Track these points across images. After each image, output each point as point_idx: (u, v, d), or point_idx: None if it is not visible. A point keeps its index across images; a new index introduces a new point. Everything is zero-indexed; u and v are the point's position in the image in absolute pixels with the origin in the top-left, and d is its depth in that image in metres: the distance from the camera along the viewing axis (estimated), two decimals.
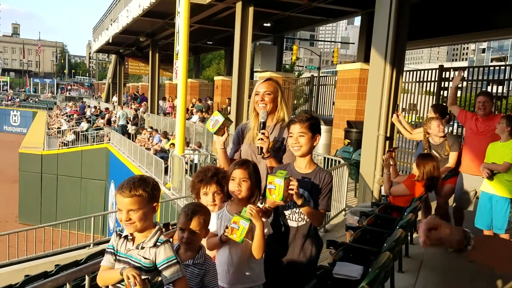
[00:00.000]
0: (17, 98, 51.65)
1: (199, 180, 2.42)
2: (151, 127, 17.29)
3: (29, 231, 9.22)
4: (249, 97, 3.33)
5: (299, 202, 2.18)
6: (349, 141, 8.62)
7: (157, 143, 14.51)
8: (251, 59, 10.65)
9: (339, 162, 6.47)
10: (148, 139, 15.85)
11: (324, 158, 6.99)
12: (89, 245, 8.15)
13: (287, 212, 2.39)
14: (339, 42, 64.96)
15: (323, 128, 10.64)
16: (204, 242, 2.17)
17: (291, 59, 43.84)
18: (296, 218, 2.39)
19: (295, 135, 2.35)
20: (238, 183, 2.27)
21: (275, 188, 2.09)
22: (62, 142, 21.04)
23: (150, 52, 19.92)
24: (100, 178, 17.91)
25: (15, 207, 19.17)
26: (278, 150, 2.67)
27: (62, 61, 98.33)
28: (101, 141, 19.29)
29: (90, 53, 79.96)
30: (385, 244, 2.85)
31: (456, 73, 6.23)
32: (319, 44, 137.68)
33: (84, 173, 18.76)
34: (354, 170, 6.75)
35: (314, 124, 2.37)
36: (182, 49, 8.81)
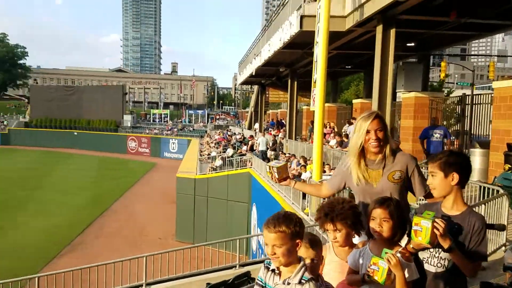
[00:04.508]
0: (175, 128, 58.69)
1: (317, 218, 2.41)
2: (289, 153, 17.78)
3: (184, 249, 10.32)
4: (391, 120, 3.22)
5: (445, 245, 1.99)
6: (510, 166, 7.54)
7: (294, 168, 14.82)
8: (392, 81, 10.24)
9: (498, 191, 5.68)
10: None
11: (480, 186, 6.20)
12: (235, 266, 8.64)
13: (425, 255, 2.19)
14: (495, 55, 58.03)
15: (478, 151, 9.55)
16: (335, 274, 2.13)
17: (439, 75, 40.74)
18: (435, 263, 2.17)
19: (430, 174, 2.19)
20: (378, 223, 2.17)
21: (422, 231, 1.97)
22: (211, 167, 23.06)
23: (289, 81, 20.70)
24: (243, 200, 18.97)
25: (173, 225, 21.52)
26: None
27: (212, 93, 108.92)
28: (244, 166, 20.56)
29: (235, 85, 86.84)
30: None
31: None
32: (472, 57, 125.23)
33: (230, 196, 20.09)
34: None
35: (447, 162, 2.15)
36: (319, 77, 8.95)
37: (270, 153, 20.58)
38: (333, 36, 10.73)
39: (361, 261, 2.21)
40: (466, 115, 12.00)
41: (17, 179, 33.43)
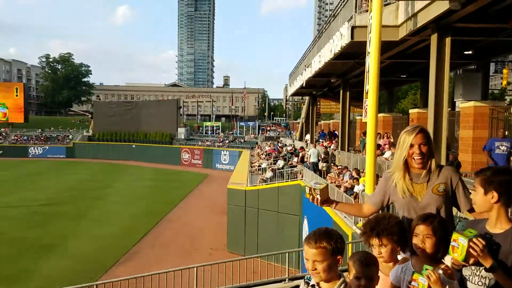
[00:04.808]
0: (226, 139, 59.73)
1: (362, 233, 2.41)
2: (341, 165, 17.47)
3: (234, 261, 10.42)
4: (449, 130, 3.13)
5: (487, 265, 1.93)
6: None
7: (347, 181, 14.53)
8: (450, 90, 9.82)
9: None
10: (338, 176, 16.03)
11: None
12: (285, 280, 8.57)
13: (467, 272, 2.12)
14: None
15: None
16: None
17: (501, 83, 38.54)
18: (476, 281, 2.09)
19: (473, 189, 2.15)
20: (421, 240, 2.17)
21: (458, 247, 1.96)
22: (262, 179, 23.16)
23: (341, 91, 20.44)
24: (294, 213, 18.81)
25: (224, 236, 21.79)
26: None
27: (263, 105, 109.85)
28: (294, 178, 20.44)
29: (286, 96, 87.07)
30: None
31: None
32: None
33: (281, 208, 20.03)
34: None
35: (488, 179, 2.08)
36: (371, 87, 8.76)
37: (321, 165, 20.34)
38: (386, 46, 10.50)
39: (402, 277, 2.19)
40: None
41: (80, 190, 35.49)
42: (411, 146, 2.54)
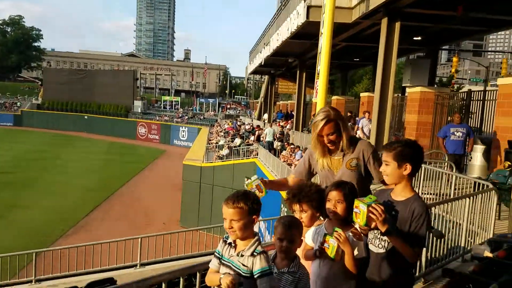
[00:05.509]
0: (185, 116, 58.89)
1: (286, 199, 2.58)
2: (293, 144, 17.83)
3: (187, 233, 10.53)
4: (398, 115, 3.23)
5: (382, 229, 2.10)
6: (510, 163, 7.50)
7: (298, 159, 14.89)
8: (401, 76, 10.18)
9: (487, 186, 5.66)
10: (290, 155, 16.38)
11: (474, 182, 6.19)
12: None
13: (370, 236, 2.32)
14: (508, 52, 57.01)
15: (479, 148, 9.46)
16: (299, 252, 2.27)
17: (451, 71, 40.36)
18: (376, 244, 2.30)
19: (383, 162, 2.30)
20: (333, 204, 2.32)
21: (360, 213, 2.12)
22: (218, 156, 23.21)
23: (298, 72, 20.64)
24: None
25: (178, 211, 21.79)
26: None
27: (224, 82, 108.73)
28: (250, 156, 20.66)
29: (248, 75, 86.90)
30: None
31: None
32: (489, 54, 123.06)
33: (235, 185, 20.25)
34: (509, 196, 5.84)
35: (402, 153, 2.24)
36: (323, 68, 8.93)
37: (276, 144, 20.63)
38: (340, 28, 10.69)
39: (316, 238, 2.35)
40: (472, 111, 11.86)
41: (27, 160, 34.02)
42: (321, 136, 2.73)
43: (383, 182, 2.67)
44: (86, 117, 60.89)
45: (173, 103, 70.67)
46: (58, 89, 62.88)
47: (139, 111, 60.00)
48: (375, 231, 2.27)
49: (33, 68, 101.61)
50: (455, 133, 8.97)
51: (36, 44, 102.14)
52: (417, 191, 2.74)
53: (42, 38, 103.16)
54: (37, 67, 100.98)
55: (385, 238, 2.24)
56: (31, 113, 63.67)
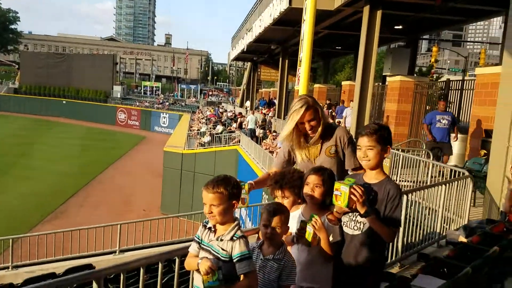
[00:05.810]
0: (166, 102, 58.18)
1: (268, 185, 2.61)
2: (275, 131, 17.87)
3: (167, 220, 10.50)
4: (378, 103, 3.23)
5: (362, 210, 2.15)
6: (485, 151, 7.68)
7: (280, 147, 14.94)
8: (377, 63, 10.26)
9: (463, 174, 5.79)
10: (272, 142, 16.42)
11: (451, 170, 6.33)
12: None
13: (345, 219, 2.35)
14: (486, 42, 58.10)
15: (458, 137, 9.64)
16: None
17: (430, 60, 40.89)
18: (352, 226, 2.33)
19: (363, 148, 2.29)
20: (311, 188, 2.33)
21: (341, 195, 2.15)
22: (199, 143, 23.08)
23: (280, 59, 20.59)
24: None
25: (159, 198, 21.67)
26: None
27: (206, 68, 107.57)
28: (232, 143, 20.62)
29: (230, 61, 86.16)
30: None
31: None
32: (468, 44, 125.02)
33: (217, 172, 20.09)
34: (484, 184, 6.00)
35: (383, 136, 2.28)
36: (305, 56, 8.91)
37: (258, 131, 20.63)
38: (322, 15, 10.67)
39: (293, 224, 2.35)
40: (450, 100, 12.07)
41: (3, 145, 33.19)
42: (302, 123, 2.73)
43: (354, 170, 2.71)
44: (64, 102, 59.54)
45: (154, 88, 69.69)
46: (36, 73, 61.22)
47: (119, 96, 58.98)
48: (350, 214, 2.31)
49: (9, 51, 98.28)
50: (441, 120, 8.98)
51: (13, 26, 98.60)
52: (395, 178, 2.79)
53: (19, 20, 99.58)
54: (14, 50, 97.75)
55: (361, 220, 2.28)
56: (7, 97, 61.91)
